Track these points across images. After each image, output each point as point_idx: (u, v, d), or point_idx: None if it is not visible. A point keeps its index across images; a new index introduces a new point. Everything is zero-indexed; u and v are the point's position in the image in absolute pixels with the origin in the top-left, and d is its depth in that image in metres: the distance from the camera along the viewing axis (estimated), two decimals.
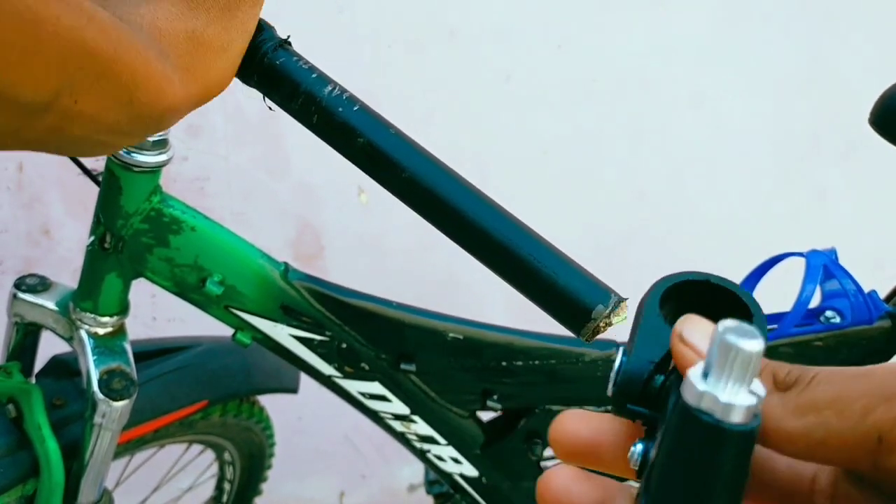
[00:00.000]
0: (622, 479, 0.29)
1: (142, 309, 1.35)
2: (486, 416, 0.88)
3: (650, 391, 0.27)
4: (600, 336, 0.41)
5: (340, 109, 0.42)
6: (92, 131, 0.35)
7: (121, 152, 0.67)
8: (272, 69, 0.42)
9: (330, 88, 0.42)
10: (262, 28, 0.43)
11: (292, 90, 0.42)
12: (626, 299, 0.40)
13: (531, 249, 0.40)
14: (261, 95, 0.44)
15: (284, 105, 0.43)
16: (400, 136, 0.42)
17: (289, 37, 0.44)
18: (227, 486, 1.19)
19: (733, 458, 0.22)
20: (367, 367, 0.81)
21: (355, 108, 0.42)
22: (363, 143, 0.41)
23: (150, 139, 0.67)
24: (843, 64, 1.58)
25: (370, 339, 0.80)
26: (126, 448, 0.90)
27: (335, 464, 1.68)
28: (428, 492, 1.07)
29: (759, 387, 0.23)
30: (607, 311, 0.39)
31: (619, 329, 0.44)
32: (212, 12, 0.38)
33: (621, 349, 0.28)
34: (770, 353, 0.85)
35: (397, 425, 0.86)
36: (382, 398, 0.83)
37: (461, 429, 0.87)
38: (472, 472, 0.91)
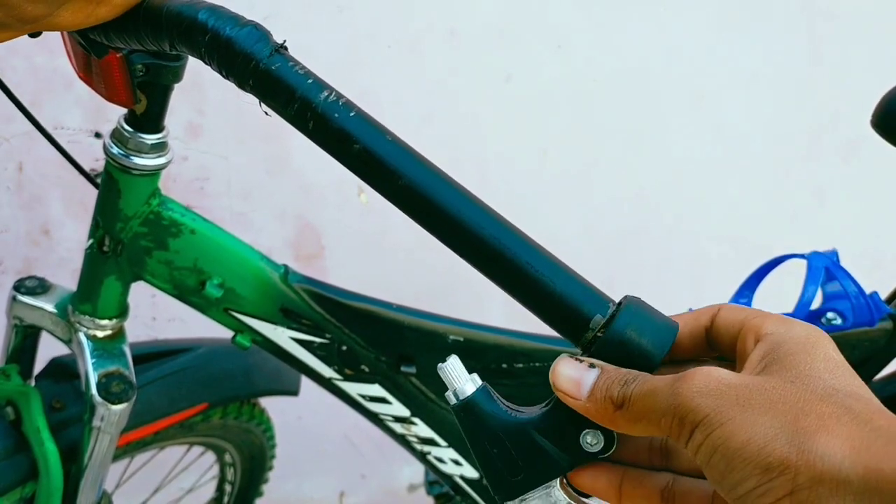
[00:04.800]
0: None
1: (142, 309, 1.35)
2: None
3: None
4: None
5: (336, 115, 0.41)
6: None
7: (119, 155, 0.66)
8: (267, 75, 0.42)
9: (326, 94, 0.42)
10: (258, 33, 0.43)
11: (288, 96, 0.42)
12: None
13: (529, 258, 0.40)
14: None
15: (280, 111, 0.43)
16: (396, 142, 0.42)
17: (284, 41, 0.44)
18: (227, 487, 1.19)
19: (466, 420, 0.41)
20: (367, 370, 0.81)
21: (351, 114, 0.41)
22: (359, 150, 0.41)
23: (149, 142, 0.67)
24: (843, 64, 1.58)
25: (370, 342, 0.79)
26: (126, 450, 0.90)
27: (335, 464, 1.68)
28: (428, 492, 1.07)
29: (467, 387, 0.41)
30: (605, 321, 0.39)
31: None
32: None
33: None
34: None
35: (398, 427, 0.86)
36: (383, 400, 0.83)
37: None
38: (472, 473, 0.91)
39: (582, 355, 0.39)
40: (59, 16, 0.43)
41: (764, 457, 0.30)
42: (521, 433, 0.40)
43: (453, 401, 0.41)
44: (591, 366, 0.38)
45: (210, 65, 0.44)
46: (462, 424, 0.41)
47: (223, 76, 0.43)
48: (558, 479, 0.39)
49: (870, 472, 0.28)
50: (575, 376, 0.38)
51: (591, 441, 0.39)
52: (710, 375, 0.33)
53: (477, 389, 0.41)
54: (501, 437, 0.40)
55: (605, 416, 0.37)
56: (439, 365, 0.42)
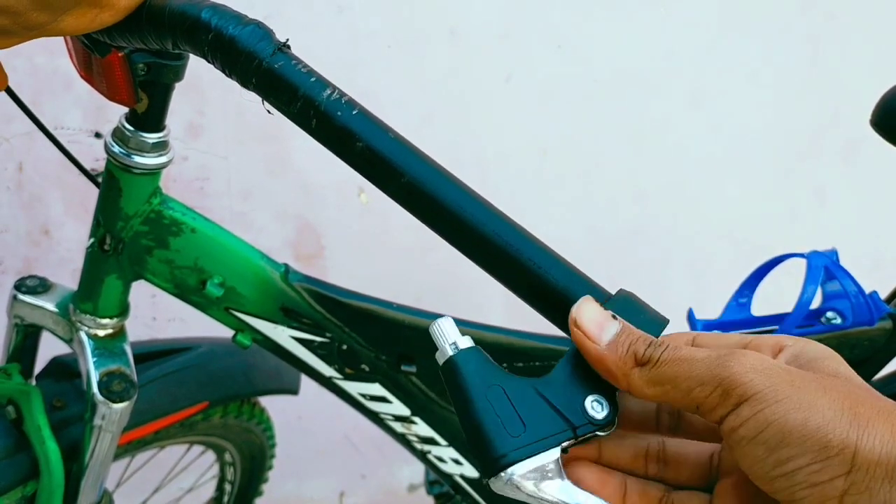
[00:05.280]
0: None
1: (142, 309, 1.35)
2: None
3: None
4: None
5: (339, 113, 0.41)
6: None
7: (120, 154, 0.67)
8: (270, 73, 0.42)
9: (329, 92, 0.42)
10: (261, 32, 0.43)
11: (291, 94, 0.42)
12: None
13: (531, 254, 0.40)
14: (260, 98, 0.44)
15: (283, 109, 0.43)
16: (399, 140, 0.42)
17: (287, 40, 0.44)
18: (227, 486, 1.19)
19: (465, 370, 0.38)
20: (367, 369, 0.81)
21: (354, 112, 0.42)
22: (362, 148, 0.41)
23: (150, 141, 0.67)
24: (843, 64, 1.58)
25: (370, 341, 0.79)
26: (127, 449, 0.90)
27: (335, 464, 1.68)
28: (428, 492, 1.07)
29: (462, 341, 0.38)
30: None
31: None
32: None
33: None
34: None
35: (398, 426, 0.86)
36: (383, 399, 0.83)
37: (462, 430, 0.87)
38: (472, 473, 0.91)
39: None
40: (63, 21, 0.44)
41: (823, 435, 0.30)
42: (525, 389, 0.38)
43: (449, 353, 0.38)
44: (614, 317, 0.37)
45: (213, 63, 0.44)
46: (458, 376, 0.38)
47: (226, 75, 0.44)
48: (559, 448, 0.37)
49: None
50: (598, 319, 0.37)
51: (596, 408, 0.37)
52: (761, 356, 0.34)
53: (475, 346, 0.39)
54: (503, 390, 0.37)
55: (620, 370, 0.36)
56: (431, 325, 0.39)
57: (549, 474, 0.36)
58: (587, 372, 0.38)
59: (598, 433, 0.38)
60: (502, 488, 0.36)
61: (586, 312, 0.37)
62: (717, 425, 0.34)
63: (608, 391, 0.38)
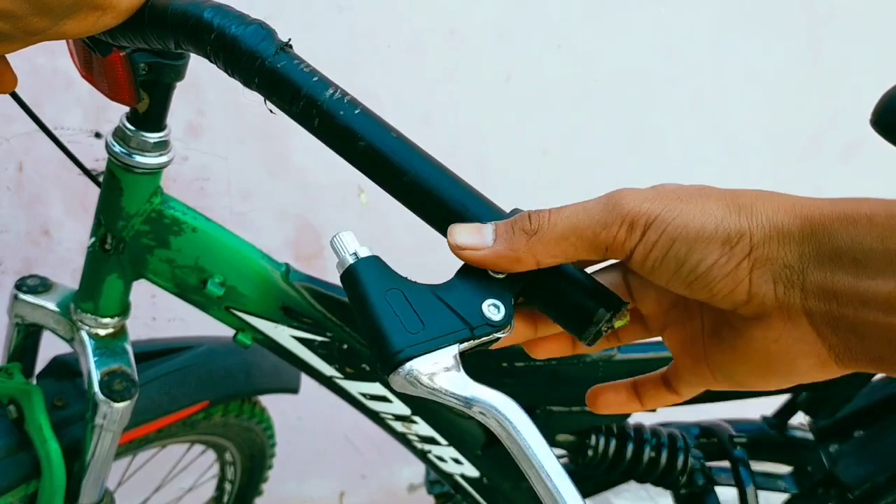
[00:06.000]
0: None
1: (142, 309, 1.35)
2: None
3: None
4: None
5: (342, 113, 0.41)
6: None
7: (121, 153, 0.67)
8: (273, 73, 0.42)
9: (331, 91, 0.42)
10: (263, 32, 0.43)
11: (293, 94, 0.42)
12: (627, 303, 0.40)
13: None
14: (261, 98, 0.44)
15: (285, 108, 0.43)
16: (401, 139, 0.42)
17: (289, 40, 0.44)
18: (227, 486, 1.19)
19: (364, 275, 0.39)
20: (367, 368, 0.81)
21: (356, 112, 0.42)
22: (364, 147, 0.41)
23: (151, 141, 0.67)
24: (843, 64, 1.58)
25: None
26: (128, 448, 0.90)
27: (335, 464, 1.68)
28: (429, 492, 1.07)
29: (363, 251, 0.39)
30: (609, 315, 0.39)
31: (621, 328, 0.44)
32: None
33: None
34: None
35: (398, 426, 0.86)
36: (383, 399, 0.83)
37: (462, 429, 0.87)
38: (473, 472, 0.91)
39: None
40: (64, 25, 0.44)
41: (722, 231, 0.35)
42: (424, 293, 0.39)
43: (349, 261, 0.39)
44: (482, 224, 0.40)
45: (216, 63, 0.44)
46: (358, 282, 0.39)
47: (229, 74, 0.44)
48: (457, 346, 0.38)
49: (804, 221, 0.34)
50: (473, 231, 0.39)
51: (493, 311, 0.39)
52: (638, 189, 0.37)
53: (376, 256, 0.40)
54: (403, 293, 0.38)
55: (520, 250, 0.38)
56: (331, 239, 0.40)
57: (448, 370, 0.37)
58: (482, 280, 0.39)
59: (495, 334, 0.39)
60: (402, 384, 0.37)
61: (459, 232, 0.39)
62: (626, 261, 0.37)
63: (504, 296, 0.39)
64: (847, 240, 0.33)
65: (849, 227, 0.33)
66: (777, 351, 0.36)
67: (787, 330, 0.35)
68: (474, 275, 0.40)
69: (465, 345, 0.38)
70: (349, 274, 0.39)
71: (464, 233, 0.39)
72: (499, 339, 0.39)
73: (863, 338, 0.34)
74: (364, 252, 0.39)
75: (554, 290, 0.40)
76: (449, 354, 0.37)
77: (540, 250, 0.38)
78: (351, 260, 0.39)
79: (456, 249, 0.39)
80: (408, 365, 0.36)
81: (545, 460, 0.36)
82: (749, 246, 0.35)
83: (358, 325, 0.39)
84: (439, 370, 0.37)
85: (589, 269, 0.43)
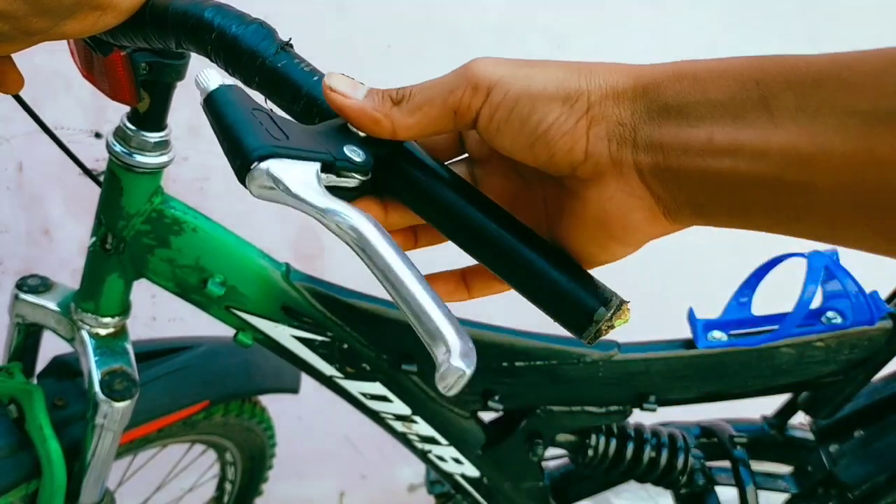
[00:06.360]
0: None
1: (142, 309, 1.35)
2: (487, 416, 0.88)
3: None
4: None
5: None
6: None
7: (122, 153, 0.67)
8: (273, 72, 0.42)
9: None
10: (264, 31, 0.43)
11: (294, 93, 0.42)
12: (627, 302, 0.40)
13: (533, 252, 0.40)
14: (262, 97, 0.44)
15: (286, 107, 0.43)
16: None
17: (290, 39, 0.44)
18: (228, 486, 1.19)
19: (229, 94, 0.38)
20: (368, 368, 0.81)
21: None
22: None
23: (152, 140, 0.67)
24: None
25: (371, 340, 0.80)
26: (129, 448, 0.90)
27: (335, 464, 1.68)
28: (429, 491, 1.07)
29: (229, 82, 0.39)
30: (609, 315, 0.39)
31: (621, 330, 0.44)
32: None
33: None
34: (772, 353, 0.85)
35: (398, 426, 0.86)
36: (384, 398, 0.83)
37: (462, 429, 0.87)
38: (473, 472, 0.91)
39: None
40: (65, 26, 0.44)
41: (563, 89, 0.37)
42: (290, 122, 0.39)
43: (213, 87, 0.39)
44: (361, 84, 0.41)
45: (216, 63, 0.44)
46: (221, 103, 0.38)
47: (229, 73, 0.44)
48: (319, 164, 0.37)
49: (637, 80, 0.37)
50: (349, 83, 0.41)
51: (354, 153, 0.39)
52: (490, 58, 0.39)
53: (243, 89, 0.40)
54: (269, 115, 0.38)
55: (381, 111, 0.40)
56: (196, 75, 0.39)
57: (308, 180, 0.37)
58: (346, 133, 0.40)
59: (355, 174, 0.39)
60: (260, 183, 0.36)
61: (337, 80, 0.41)
62: (474, 126, 0.39)
63: (364, 149, 0.40)
64: (674, 94, 0.36)
65: (675, 83, 0.36)
66: (612, 209, 0.38)
67: (620, 186, 0.37)
68: (339, 127, 0.40)
69: (328, 177, 0.38)
70: (213, 97, 0.38)
71: (341, 81, 0.41)
72: (359, 182, 0.40)
73: (683, 185, 0.36)
74: (231, 82, 0.39)
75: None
76: (311, 169, 0.37)
77: (398, 118, 0.40)
78: (215, 85, 0.39)
79: (328, 90, 0.40)
80: (266, 163, 0.35)
81: (400, 271, 0.36)
82: (587, 104, 0.37)
83: (220, 141, 0.37)
84: (299, 179, 0.36)
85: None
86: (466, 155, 0.45)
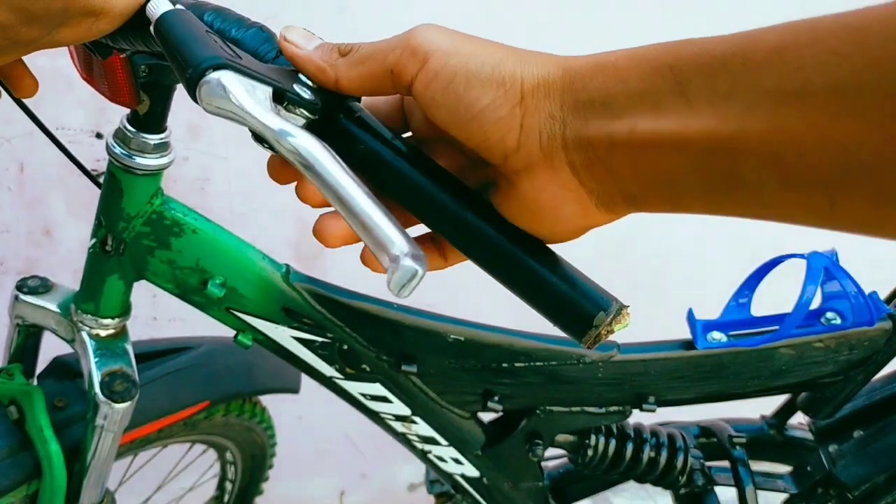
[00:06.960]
0: None
1: (142, 309, 1.35)
2: (487, 416, 0.88)
3: None
4: None
5: (341, 115, 0.42)
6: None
7: (122, 155, 0.67)
8: None
9: None
10: (264, 35, 0.43)
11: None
12: (627, 306, 0.40)
13: (532, 255, 0.40)
14: None
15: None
16: (402, 143, 0.42)
17: None
18: (228, 485, 1.19)
19: (166, 28, 0.38)
20: (368, 369, 0.81)
21: (356, 115, 0.42)
22: (364, 150, 0.41)
23: (152, 142, 0.67)
24: None
25: (371, 341, 0.80)
26: (129, 448, 0.90)
27: (335, 463, 1.69)
28: (429, 491, 1.07)
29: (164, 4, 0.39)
30: (609, 319, 0.39)
31: (621, 331, 0.44)
32: None
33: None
34: (771, 353, 0.85)
35: (398, 426, 0.86)
36: (383, 399, 0.84)
37: (462, 430, 0.87)
38: (473, 472, 0.91)
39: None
40: (58, 34, 0.43)
41: (499, 73, 0.37)
42: (241, 50, 0.40)
43: (163, 9, 0.40)
44: (318, 38, 0.43)
45: None
46: (174, 23, 0.39)
47: None
48: (271, 89, 0.38)
49: (566, 72, 0.37)
50: (304, 34, 0.43)
51: (303, 90, 0.40)
52: (435, 26, 0.40)
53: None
54: (224, 39, 0.39)
55: (327, 62, 0.41)
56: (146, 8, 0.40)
57: (260, 99, 0.37)
58: (296, 78, 0.41)
59: (303, 109, 0.40)
60: (212, 92, 0.36)
61: (293, 31, 0.43)
62: (409, 93, 0.39)
63: (312, 92, 0.41)
64: (597, 86, 0.36)
65: (598, 74, 0.36)
66: (545, 200, 0.38)
67: (552, 179, 0.38)
68: (290, 71, 0.41)
69: (277, 107, 0.39)
70: (164, 19, 0.39)
71: (297, 32, 0.43)
72: (305, 122, 0.40)
73: (615, 178, 0.36)
74: (183, 5, 0.40)
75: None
76: (265, 90, 0.38)
77: (341, 69, 0.41)
78: (166, 8, 0.39)
79: (282, 41, 0.42)
80: (219, 72, 0.36)
81: (350, 187, 0.36)
82: (520, 93, 0.37)
83: (171, 60, 0.38)
84: (252, 95, 0.37)
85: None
86: (410, 133, 0.46)
